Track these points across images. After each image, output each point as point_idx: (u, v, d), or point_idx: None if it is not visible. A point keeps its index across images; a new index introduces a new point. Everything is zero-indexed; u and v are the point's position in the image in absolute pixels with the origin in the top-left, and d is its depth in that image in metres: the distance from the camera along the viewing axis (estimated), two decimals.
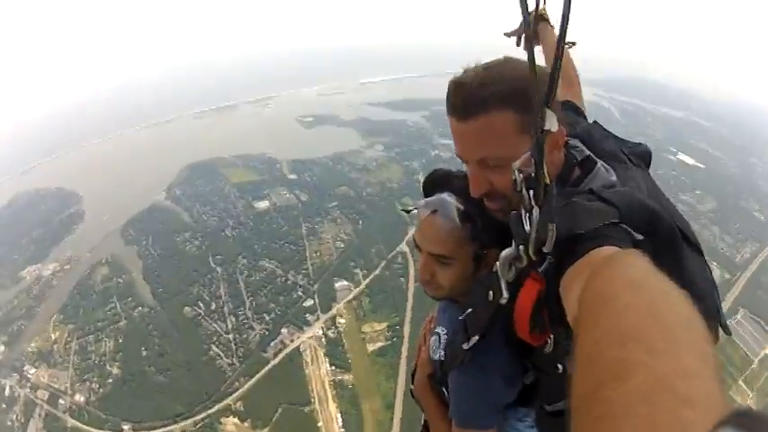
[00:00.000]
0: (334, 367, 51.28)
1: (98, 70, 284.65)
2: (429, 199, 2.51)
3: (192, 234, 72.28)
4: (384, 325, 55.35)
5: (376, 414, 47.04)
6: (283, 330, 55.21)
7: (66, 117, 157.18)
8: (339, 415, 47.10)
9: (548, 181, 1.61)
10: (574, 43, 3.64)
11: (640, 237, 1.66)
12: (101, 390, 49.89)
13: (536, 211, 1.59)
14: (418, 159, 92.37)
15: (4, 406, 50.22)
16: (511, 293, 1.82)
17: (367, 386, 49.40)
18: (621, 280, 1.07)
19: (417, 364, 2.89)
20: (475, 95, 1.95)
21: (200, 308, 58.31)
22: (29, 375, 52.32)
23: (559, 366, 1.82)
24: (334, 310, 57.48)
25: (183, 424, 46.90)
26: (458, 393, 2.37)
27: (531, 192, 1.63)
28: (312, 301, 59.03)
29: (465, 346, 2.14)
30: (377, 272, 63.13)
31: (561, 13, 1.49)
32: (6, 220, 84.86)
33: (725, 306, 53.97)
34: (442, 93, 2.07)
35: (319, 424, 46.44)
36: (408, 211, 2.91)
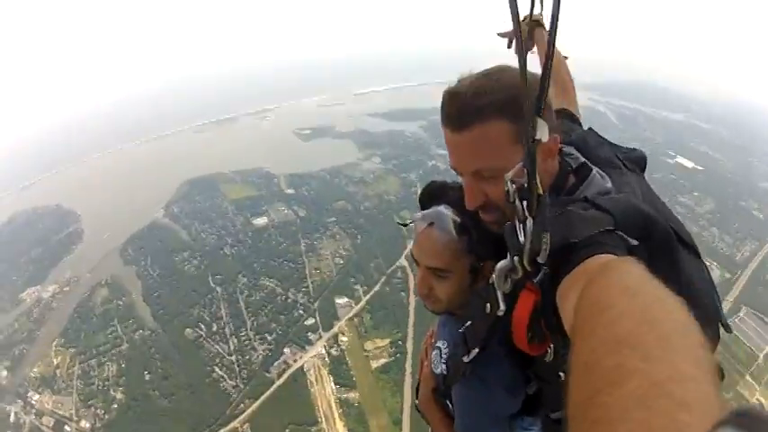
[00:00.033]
0: (338, 385, 51.11)
1: (98, 84, 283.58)
2: (425, 212, 2.52)
3: (191, 253, 72.09)
4: (387, 341, 55.31)
5: (383, 430, 47.01)
6: (286, 350, 55.07)
7: (66, 131, 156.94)
8: None
9: (540, 191, 1.64)
10: (566, 57, 3.69)
11: (635, 242, 1.68)
12: (106, 416, 49.47)
13: (530, 222, 1.63)
14: (415, 171, 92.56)
15: None
16: (508, 305, 1.84)
17: (373, 403, 49.34)
18: (617, 287, 1.07)
19: (420, 378, 2.91)
20: (470, 105, 1.96)
21: (201, 329, 58.11)
22: (33, 401, 51.97)
23: (561, 375, 1.82)
24: (335, 328, 57.40)
25: None
26: (461, 406, 2.41)
27: (525, 202, 1.66)
28: (313, 320, 58.95)
29: (466, 359, 2.17)
30: (377, 288, 63.15)
31: (550, 21, 1.53)
32: (5, 237, 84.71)
33: (727, 305, 55.90)
34: (439, 102, 2.09)
35: None
36: (405, 225, 2.87)
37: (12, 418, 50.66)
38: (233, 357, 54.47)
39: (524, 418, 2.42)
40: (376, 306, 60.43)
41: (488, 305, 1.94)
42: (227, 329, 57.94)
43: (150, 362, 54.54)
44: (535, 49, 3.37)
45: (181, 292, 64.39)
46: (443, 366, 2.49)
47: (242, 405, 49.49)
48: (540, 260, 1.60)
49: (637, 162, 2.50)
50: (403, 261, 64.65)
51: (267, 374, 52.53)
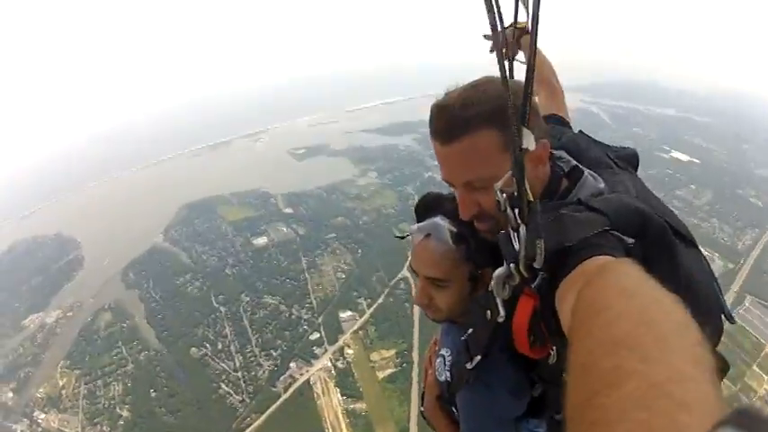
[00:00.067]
0: (345, 397, 50.88)
1: (93, 113, 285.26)
2: (422, 223, 2.54)
3: (193, 275, 72.02)
4: (392, 352, 55.14)
5: None
6: (292, 365, 54.85)
7: (64, 161, 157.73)
8: None
9: (531, 198, 1.68)
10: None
11: (631, 241, 1.69)
12: None
13: (523, 229, 1.66)
14: (412, 183, 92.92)
15: None
16: (507, 311, 1.84)
17: (380, 413, 49.04)
18: (614, 289, 1.07)
19: (425, 386, 2.90)
20: (458, 117, 1.98)
21: (206, 348, 57.89)
22: (39, 420, 51.69)
23: (565, 376, 1.63)
24: (341, 341, 57.23)
25: None
26: (466, 411, 2.41)
27: (517, 210, 1.69)
28: (318, 334, 58.76)
29: (469, 366, 2.18)
30: (380, 300, 63.02)
31: (531, 28, 1.62)
32: (6, 266, 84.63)
33: (731, 295, 55.57)
34: None
35: None
36: (403, 237, 2.93)
37: None
38: (239, 374, 54.22)
39: (530, 420, 2.43)
40: (380, 318, 60.25)
41: (488, 312, 1.97)
42: (232, 347, 57.79)
43: (156, 380, 54.28)
44: (522, 56, 3.46)
45: (184, 313, 64.24)
46: (447, 374, 2.51)
47: (248, 419, 49.23)
48: (536, 266, 1.63)
49: (628, 160, 2.56)
50: (405, 272, 64.41)
51: (273, 389, 52.28)
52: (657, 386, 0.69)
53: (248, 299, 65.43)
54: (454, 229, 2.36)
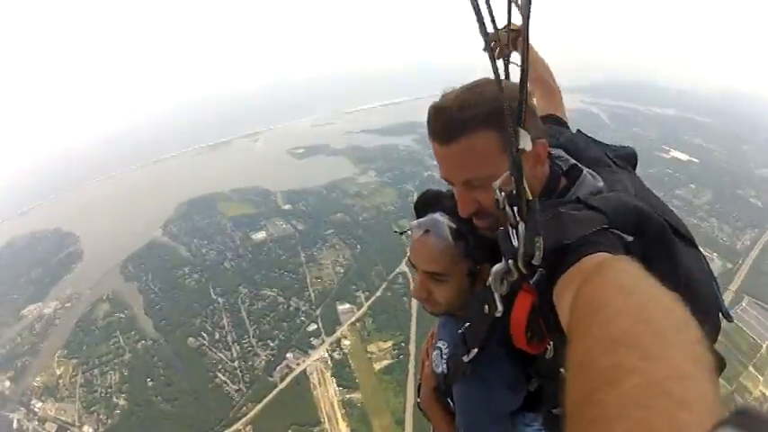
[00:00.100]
0: (341, 387, 50.89)
1: (96, 113, 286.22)
2: (421, 219, 2.56)
3: (192, 268, 72.17)
4: (389, 344, 55.12)
5: (386, 430, 46.67)
6: (289, 355, 54.89)
7: (63, 159, 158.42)
8: None
9: (529, 196, 1.70)
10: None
11: (630, 238, 1.71)
12: (109, 421, 49.22)
13: (522, 227, 1.68)
14: (411, 182, 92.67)
15: None
16: (505, 306, 1.87)
17: (376, 404, 49.05)
18: (612, 286, 1.07)
19: (422, 378, 2.93)
20: (455, 119, 2.00)
21: (203, 338, 57.95)
22: (36, 409, 51.67)
23: (562, 371, 1.60)
24: (338, 333, 57.23)
25: None
26: (462, 404, 2.45)
27: (515, 208, 1.72)
28: (316, 326, 58.77)
29: (465, 359, 2.20)
30: (378, 293, 63.02)
31: (522, 30, 1.61)
32: (5, 260, 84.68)
33: (729, 295, 55.17)
34: None
35: None
36: (402, 233, 2.90)
37: (15, 425, 50.40)
38: (236, 363, 54.26)
39: (526, 414, 2.47)
40: (378, 310, 60.26)
41: (486, 307, 1.99)
42: (229, 338, 57.83)
43: (153, 370, 54.35)
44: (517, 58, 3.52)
45: (182, 304, 64.28)
46: (444, 366, 2.54)
47: (245, 408, 49.26)
48: (534, 262, 1.65)
49: (627, 159, 2.57)
50: (404, 267, 64.34)
51: (270, 378, 52.32)
52: (657, 384, 0.69)
53: (246, 291, 65.46)
54: (453, 226, 2.40)
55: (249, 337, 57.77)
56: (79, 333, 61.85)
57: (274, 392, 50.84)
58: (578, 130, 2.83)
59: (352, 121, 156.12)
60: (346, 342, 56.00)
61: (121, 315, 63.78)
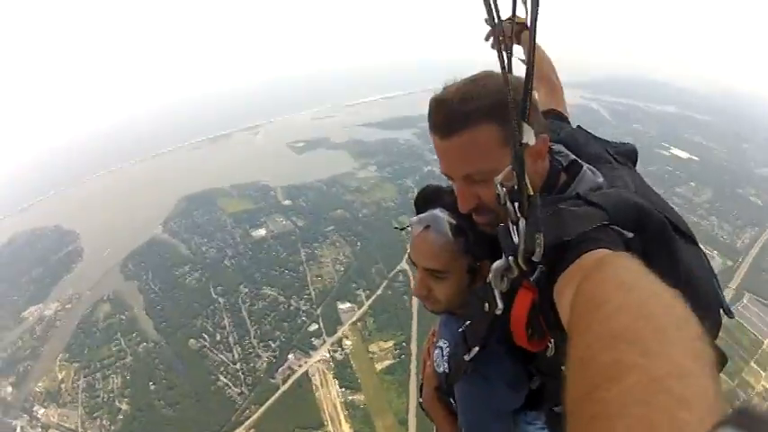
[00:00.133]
0: (344, 388, 50.99)
1: (97, 106, 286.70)
2: (421, 215, 2.53)
3: (192, 266, 72.23)
4: (391, 343, 55.25)
5: (390, 431, 46.85)
6: (290, 356, 54.98)
7: (63, 154, 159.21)
8: None
9: (531, 192, 1.66)
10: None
11: (631, 235, 1.68)
12: (112, 426, 49.32)
13: (522, 223, 1.65)
14: (411, 177, 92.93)
15: None
16: (505, 303, 1.84)
17: (378, 404, 49.19)
18: (612, 282, 1.06)
19: (424, 377, 2.91)
20: (457, 111, 1.96)
21: (204, 340, 58.05)
22: (39, 416, 51.81)
23: (563, 369, 1.38)
24: (339, 333, 57.33)
25: None
26: (463, 403, 2.41)
27: (516, 204, 1.67)
28: (317, 326, 58.88)
29: (467, 358, 2.18)
30: (379, 292, 63.11)
31: (530, 24, 1.59)
32: (5, 258, 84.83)
33: (730, 293, 55.71)
34: None
35: None
36: (402, 229, 2.91)
37: None
38: (237, 365, 54.38)
39: (528, 412, 2.45)
40: (379, 309, 60.34)
41: (487, 304, 1.96)
42: (230, 338, 57.91)
43: (155, 373, 54.46)
44: (522, 52, 3.33)
45: (183, 304, 64.34)
46: (445, 365, 2.51)
47: (247, 411, 49.42)
48: (534, 259, 1.62)
49: (627, 155, 2.52)
50: (404, 264, 64.51)
51: (272, 380, 52.41)
52: (657, 381, 0.69)
53: (247, 290, 65.54)
54: (453, 222, 2.36)
55: (250, 337, 57.87)
56: (80, 335, 61.96)
57: (277, 395, 50.94)
58: (578, 126, 2.79)
59: (352, 113, 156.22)
60: (347, 342, 56.12)
61: (122, 316, 63.91)
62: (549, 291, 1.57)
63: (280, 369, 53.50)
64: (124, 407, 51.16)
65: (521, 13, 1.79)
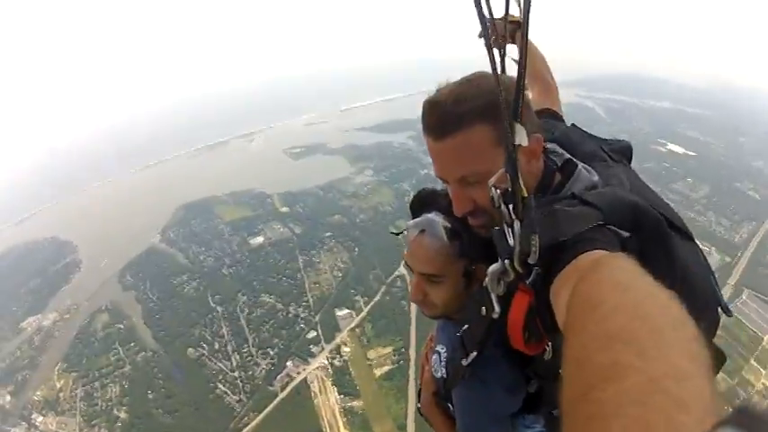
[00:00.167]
0: (342, 395, 50.88)
1: (94, 109, 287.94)
2: (416, 219, 2.52)
3: (190, 275, 72.08)
4: (389, 349, 55.13)
5: None
6: (289, 363, 54.88)
7: (59, 164, 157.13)
8: None
9: (525, 194, 1.66)
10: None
11: (627, 234, 1.69)
12: None
13: (517, 225, 1.64)
14: (408, 180, 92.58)
15: None
16: (502, 307, 1.84)
17: (377, 410, 49.11)
18: (608, 283, 1.07)
19: (422, 383, 2.90)
20: (450, 113, 1.96)
21: (203, 348, 57.93)
22: (37, 423, 51.79)
23: (561, 372, 1.43)
24: (338, 339, 57.26)
25: None
26: (462, 407, 2.42)
27: (511, 206, 1.67)
28: (315, 333, 58.76)
29: (464, 362, 2.16)
30: (377, 297, 63.02)
31: (522, 24, 1.58)
32: (3, 270, 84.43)
33: (728, 289, 55.24)
34: None
35: None
36: (398, 234, 2.84)
37: None
38: (236, 373, 54.26)
39: (526, 416, 2.46)
40: (377, 315, 60.27)
41: (483, 308, 1.95)
42: (228, 347, 57.83)
43: (153, 382, 54.40)
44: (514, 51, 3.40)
45: (181, 313, 64.29)
46: (443, 370, 2.49)
47: (246, 418, 49.33)
48: (530, 261, 1.62)
49: (622, 153, 2.53)
50: (402, 270, 64.34)
51: (270, 388, 52.33)
52: (654, 382, 0.69)
53: (245, 298, 65.44)
54: (448, 225, 2.36)
55: (249, 345, 57.77)
56: (78, 345, 61.84)
57: (275, 402, 50.84)
58: (573, 125, 2.80)
59: (347, 118, 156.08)
60: (346, 349, 56.08)
61: (120, 326, 63.79)
62: (545, 293, 1.59)
63: (278, 376, 53.39)
64: (122, 415, 51.07)
65: (516, 12, 1.75)
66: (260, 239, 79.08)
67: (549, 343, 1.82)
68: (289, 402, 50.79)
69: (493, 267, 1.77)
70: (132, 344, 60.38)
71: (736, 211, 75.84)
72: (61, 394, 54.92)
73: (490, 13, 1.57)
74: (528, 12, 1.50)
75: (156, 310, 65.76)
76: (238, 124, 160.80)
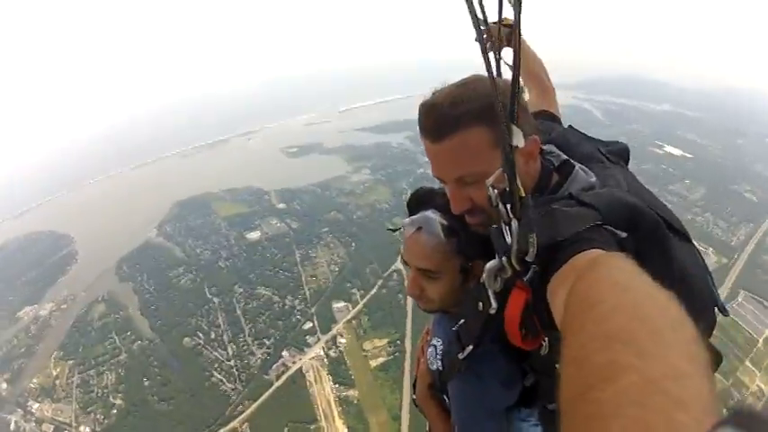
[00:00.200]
0: (338, 384, 51.06)
1: (95, 108, 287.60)
2: (413, 217, 2.55)
3: (187, 268, 72.23)
4: (385, 341, 55.24)
5: (383, 426, 46.78)
6: (284, 353, 54.96)
7: (59, 160, 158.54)
8: (346, 430, 46.95)
9: (522, 193, 1.68)
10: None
11: (624, 234, 1.70)
12: (105, 421, 49.33)
13: (515, 224, 1.67)
14: (405, 179, 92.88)
15: None
16: (499, 303, 1.87)
17: (372, 400, 49.20)
18: (606, 282, 1.08)
19: (417, 375, 2.94)
20: (447, 115, 1.97)
21: (199, 338, 58.02)
22: (33, 410, 51.78)
23: (557, 367, 1.38)
24: (334, 331, 57.36)
25: None
26: (457, 401, 2.45)
27: (509, 205, 1.70)
28: (311, 324, 58.85)
29: (460, 356, 2.19)
30: (374, 291, 63.07)
31: (513, 26, 1.62)
32: (0, 262, 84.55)
33: (725, 290, 54.78)
34: None
35: None
36: (395, 230, 2.85)
37: (12, 427, 50.51)
38: (232, 362, 54.38)
39: (521, 409, 2.47)
40: (373, 308, 60.37)
41: (480, 304, 1.97)
42: (225, 337, 57.85)
43: (149, 369, 54.47)
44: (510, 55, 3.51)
45: (178, 304, 64.35)
46: (439, 363, 2.54)
47: (241, 406, 49.47)
48: (528, 259, 1.65)
49: (620, 154, 2.54)
50: (399, 264, 64.34)
51: (266, 377, 52.40)
52: (653, 382, 0.68)
53: (241, 290, 65.49)
54: (445, 223, 2.39)
55: (245, 335, 57.83)
56: (75, 334, 61.90)
57: (270, 390, 50.92)
58: (570, 126, 2.83)
59: (345, 119, 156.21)
60: (342, 340, 56.16)
61: (117, 316, 63.85)
62: (542, 291, 1.62)
63: (274, 366, 53.47)
64: (118, 402, 51.14)
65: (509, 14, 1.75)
66: (257, 234, 79.27)
67: (546, 339, 1.84)
68: (284, 391, 50.87)
69: (490, 264, 1.84)
70: (128, 333, 60.47)
71: (734, 212, 75.78)
72: (57, 382, 54.93)
73: (484, 18, 1.64)
74: (519, 15, 1.55)
75: (153, 301, 65.85)
76: (238, 124, 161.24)
